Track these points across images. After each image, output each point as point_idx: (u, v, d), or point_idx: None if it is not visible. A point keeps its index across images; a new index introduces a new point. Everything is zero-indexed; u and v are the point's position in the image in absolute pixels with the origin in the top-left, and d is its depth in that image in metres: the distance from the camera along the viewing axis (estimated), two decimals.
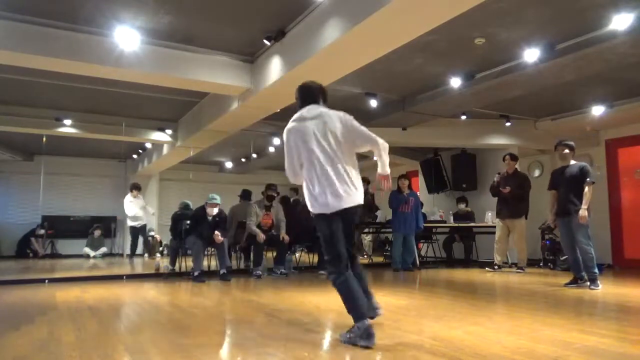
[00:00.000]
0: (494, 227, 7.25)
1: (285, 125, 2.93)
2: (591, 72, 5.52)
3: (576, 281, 5.16)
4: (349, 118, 2.92)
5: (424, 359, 2.31)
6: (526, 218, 6.99)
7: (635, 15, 4.25)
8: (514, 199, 6.80)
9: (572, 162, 5.26)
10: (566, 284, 5.20)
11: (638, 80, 6.20)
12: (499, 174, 7.05)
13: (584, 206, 4.94)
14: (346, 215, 2.81)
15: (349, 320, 2.67)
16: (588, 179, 5.01)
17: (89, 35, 4.78)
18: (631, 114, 7.21)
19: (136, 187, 9.67)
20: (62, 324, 3.28)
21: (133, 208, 9.55)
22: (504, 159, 7.05)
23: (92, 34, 4.78)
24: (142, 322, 3.46)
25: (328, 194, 2.74)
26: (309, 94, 3.00)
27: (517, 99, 6.66)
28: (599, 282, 4.97)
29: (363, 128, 2.91)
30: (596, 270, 5.00)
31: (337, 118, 2.88)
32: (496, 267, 6.96)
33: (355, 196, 2.81)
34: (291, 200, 8.80)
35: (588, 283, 5.09)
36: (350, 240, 2.92)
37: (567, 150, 5.25)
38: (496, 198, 7.04)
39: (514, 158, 6.98)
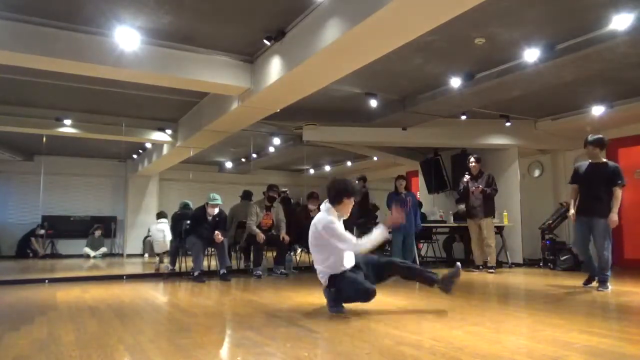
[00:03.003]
0: (493, 227, 7.26)
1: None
2: (591, 72, 5.51)
3: (592, 280, 5.08)
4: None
5: (424, 359, 2.31)
6: (493, 217, 7.12)
7: (635, 15, 4.25)
8: (484, 198, 6.92)
9: (604, 159, 5.06)
10: (584, 284, 5.12)
11: (638, 80, 6.19)
12: (465, 175, 7.13)
13: (614, 210, 4.78)
14: None
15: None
16: (619, 181, 4.83)
17: (89, 35, 4.77)
18: (631, 114, 7.20)
19: (159, 215, 9.13)
20: (62, 324, 3.28)
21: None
22: (468, 161, 7.14)
23: (92, 34, 4.77)
24: (142, 322, 3.46)
25: None
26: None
27: (517, 99, 6.65)
28: (609, 284, 4.86)
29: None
30: (609, 273, 4.89)
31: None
32: (481, 267, 7.05)
33: None
34: (291, 200, 8.81)
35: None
36: None
37: (597, 149, 5.02)
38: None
39: (478, 160, 7.12)
